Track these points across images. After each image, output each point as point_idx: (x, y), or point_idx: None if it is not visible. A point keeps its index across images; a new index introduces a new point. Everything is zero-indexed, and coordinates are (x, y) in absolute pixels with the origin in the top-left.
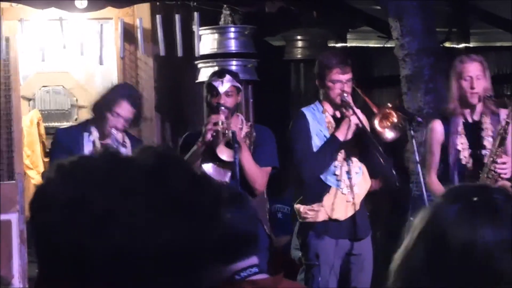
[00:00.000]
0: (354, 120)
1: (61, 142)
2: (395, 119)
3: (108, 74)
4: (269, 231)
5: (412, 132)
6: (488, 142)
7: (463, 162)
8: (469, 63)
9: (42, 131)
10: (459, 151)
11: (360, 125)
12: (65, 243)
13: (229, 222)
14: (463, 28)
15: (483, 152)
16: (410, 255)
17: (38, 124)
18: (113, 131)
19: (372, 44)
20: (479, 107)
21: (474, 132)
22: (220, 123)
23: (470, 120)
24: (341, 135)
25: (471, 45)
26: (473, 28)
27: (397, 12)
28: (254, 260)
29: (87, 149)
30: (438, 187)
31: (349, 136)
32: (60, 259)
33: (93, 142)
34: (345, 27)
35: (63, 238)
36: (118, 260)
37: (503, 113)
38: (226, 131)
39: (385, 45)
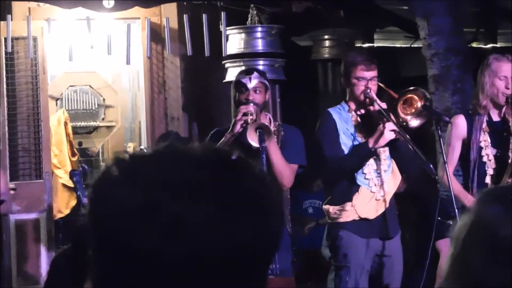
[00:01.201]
0: (390, 126)
1: None
2: (419, 104)
3: (135, 74)
4: (291, 231)
5: (439, 132)
6: (510, 142)
7: (484, 159)
8: (506, 62)
9: (70, 130)
10: (481, 148)
11: (397, 131)
12: (137, 246)
13: None
14: (490, 28)
15: (504, 151)
16: (462, 260)
17: (65, 123)
18: None
19: (399, 44)
20: (503, 107)
21: (498, 131)
22: (249, 114)
23: (494, 119)
24: (372, 143)
25: (498, 45)
26: (500, 28)
27: (424, 12)
28: None
29: None
30: (451, 183)
31: (382, 143)
32: (130, 261)
33: None
34: (372, 27)
35: (135, 241)
36: (194, 262)
37: None
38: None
39: (412, 45)
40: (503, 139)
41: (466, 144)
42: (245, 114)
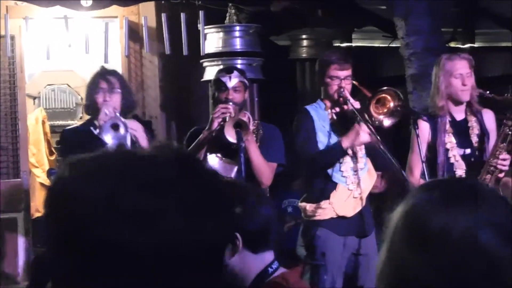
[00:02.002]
0: (365, 129)
1: (71, 141)
2: (391, 104)
3: None
4: None
5: (417, 131)
6: (475, 140)
7: (452, 160)
8: (459, 60)
9: (47, 129)
10: (447, 150)
11: (372, 134)
12: (98, 240)
13: (254, 215)
14: (468, 28)
15: (470, 150)
16: (393, 255)
17: (43, 122)
18: (104, 108)
19: (377, 43)
20: (463, 106)
21: (461, 130)
22: (227, 112)
23: (457, 118)
24: (346, 143)
25: (476, 45)
26: (478, 28)
27: (402, 12)
28: (272, 254)
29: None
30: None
31: (357, 144)
32: (92, 256)
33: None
34: (351, 26)
35: (96, 235)
36: (155, 255)
37: (485, 112)
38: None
39: (390, 45)
40: (468, 138)
41: (432, 147)
42: (224, 112)
